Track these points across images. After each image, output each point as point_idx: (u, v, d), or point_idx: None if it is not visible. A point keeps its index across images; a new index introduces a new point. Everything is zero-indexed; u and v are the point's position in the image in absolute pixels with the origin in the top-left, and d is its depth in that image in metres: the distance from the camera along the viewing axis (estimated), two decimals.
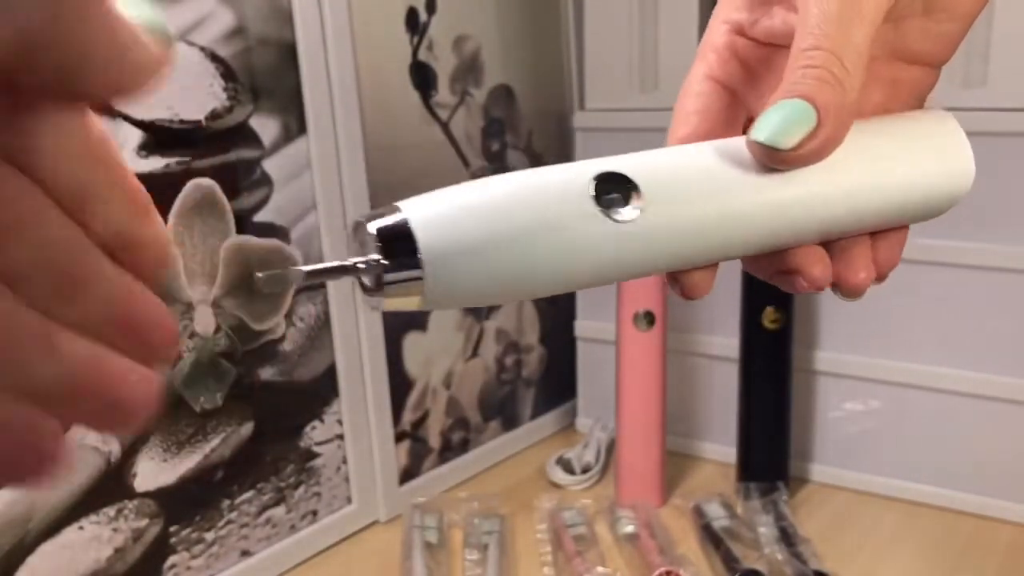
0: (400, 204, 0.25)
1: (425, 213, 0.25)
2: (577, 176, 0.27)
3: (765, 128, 0.27)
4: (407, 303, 0.25)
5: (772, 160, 0.28)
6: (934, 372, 0.73)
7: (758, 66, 0.33)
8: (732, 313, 0.76)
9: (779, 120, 0.27)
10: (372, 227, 0.25)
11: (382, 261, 0.25)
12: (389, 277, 0.25)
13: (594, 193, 0.27)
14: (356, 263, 0.25)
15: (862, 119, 0.31)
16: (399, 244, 0.25)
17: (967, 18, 0.31)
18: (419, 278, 0.25)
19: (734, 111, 0.33)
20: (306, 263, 0.67)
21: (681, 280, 0.30)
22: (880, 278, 0.33)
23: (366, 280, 0.26)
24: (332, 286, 0.69)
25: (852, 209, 0.30)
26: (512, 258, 0.26)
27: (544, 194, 0.26)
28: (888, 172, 0.31)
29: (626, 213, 0.27)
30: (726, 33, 0.32)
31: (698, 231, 0.28)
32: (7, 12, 0.17)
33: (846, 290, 0.31)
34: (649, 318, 0.72)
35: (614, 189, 0.27)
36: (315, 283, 0.25)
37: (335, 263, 0.25)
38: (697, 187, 0.28)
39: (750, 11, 0.32)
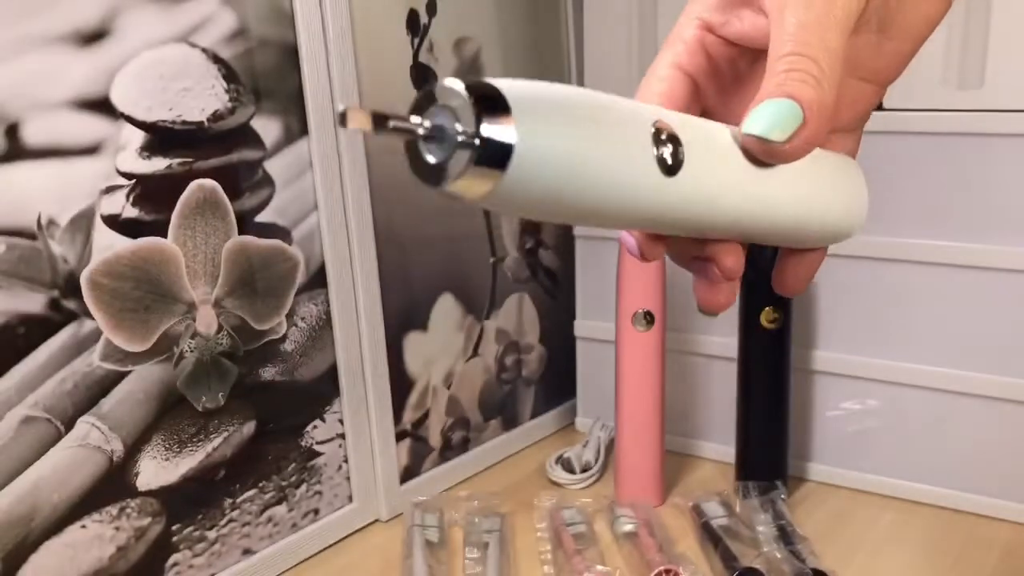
0: (494, 82, 0.24)
1: (528, 100, 0.24)
2: (639, 130, 0.28)
3: (759, 122, 0.29)
4: (475, 186, 0.24)
5: (765, 152, 0.30)
6: (933, 372, 0.73)
7: (723, 63, 0.35)
8: (731, 313, 0.76)
9: (770, 115, 0.29)
10: (486, 121, 0.23)
11: (477, 133, 0.23)
12: (479, 156, 0.23)
13: (655, 155, 0.27)
14: (457, 131, 0.23)
15: None
16: (496, 117, 0.23)
17: (918, 39, 0.34)
18: (502, 166, 0.24)
19: (695, 101, 0.35)
20: (307, 264, 0.67)
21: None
22: (797, 293, 0.38)
23: (431, 155, 0.24)
24: (333, 287, 0.69)
25: (796, 216, 0.33)
26: (585, 177, 0.26)
27: (622, 129, 0.27)
28: (827, 192, 0.34)
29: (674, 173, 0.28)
30: (696, 28, 0.34)
31: (716, 201, 0.30)
32: None
33: (785, 292, 0.36)
34: (648, 318, 0.72)
35: (671, 157, 0.28)
36: (386, 132, 0.23)
37: (412, 123, 0.24)
38: (718, 157, 0.30)
39: (721, 12, 0.33)
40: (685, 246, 0.33)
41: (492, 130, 0.23)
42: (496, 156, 0.23)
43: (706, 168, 0.29)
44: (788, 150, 0.29)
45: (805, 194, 0.33)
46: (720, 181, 0.30)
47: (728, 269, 0.32)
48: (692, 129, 0.29)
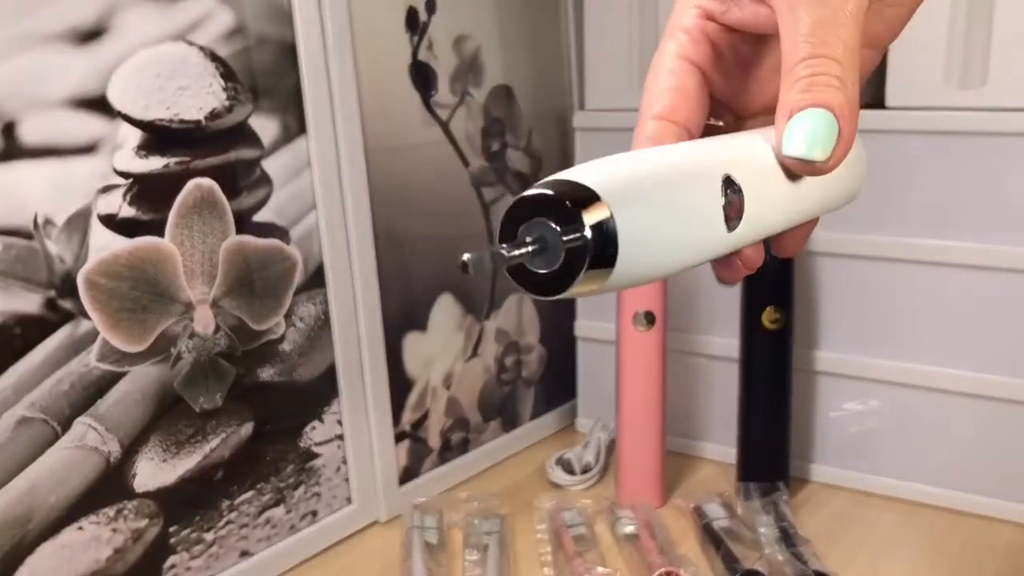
0: (595, 188, 0.25)
1: (624, 206, 0.25)
2: (711, 177, 0.29)
3: (798, 141, 0.29)
4: (589, 290, 0.25)
5: (808, 171, 0.30)
6: (934, 372, 0.73)
7: (725, 49, 0.34)
8: (732, 313, 0.76)
9: (808, 132, 0.29)
10: (585, 220, 0.24)
11: (581, 230, 0.24)
12: (587, 268, 0.24)
13: (723, 210, 0.29)
14: (565, 248, 0.25)
15: None
16: (604, 241, 0.24)
17: (914, 5, 0.33)
18: (609, 270, 0.25)
19: (703, 91, 0.34)
20: (306, 264, 0.67)
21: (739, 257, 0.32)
22: (796, 254, 0.38)
23: (539, 267, 0.25)
24: (331, 286, 0.69)
25: (819, 210, 0.34)
26: (673, 252, 0.27)
27: (697, 193, 0.28)
28: (843, 176, 0.34)
29: (733, 225, 0.29)
30: (696, 17, 0.33)
31: (766, 226, 0.31)
32: None
33: (786, 254, 0.36)
34: (649, 318, 0.72)
35: (735, 207, 0.29)
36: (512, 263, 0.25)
37: (529, 250, 0.25)
38: (773, 194, 0.31)
39: (721, 0, 0.33)
40: None
41: (593, 220, 0.24)
42: (606, 245, 0.24)
43: (757, 206, 0.30)
44: (831, 166, 0.29)
45: (828, 189, 0.34)
46: (766, 208, 0.31)
47: (750, 260, 0.33)
48: (743, 167, 0.30)
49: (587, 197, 0.24)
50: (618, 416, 0.75)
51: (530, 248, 0.25)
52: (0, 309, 0.51)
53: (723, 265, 0.33)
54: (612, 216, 0.24)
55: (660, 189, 0.27)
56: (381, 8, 0.71)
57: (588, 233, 0.24)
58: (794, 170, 0.31)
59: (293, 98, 0.65)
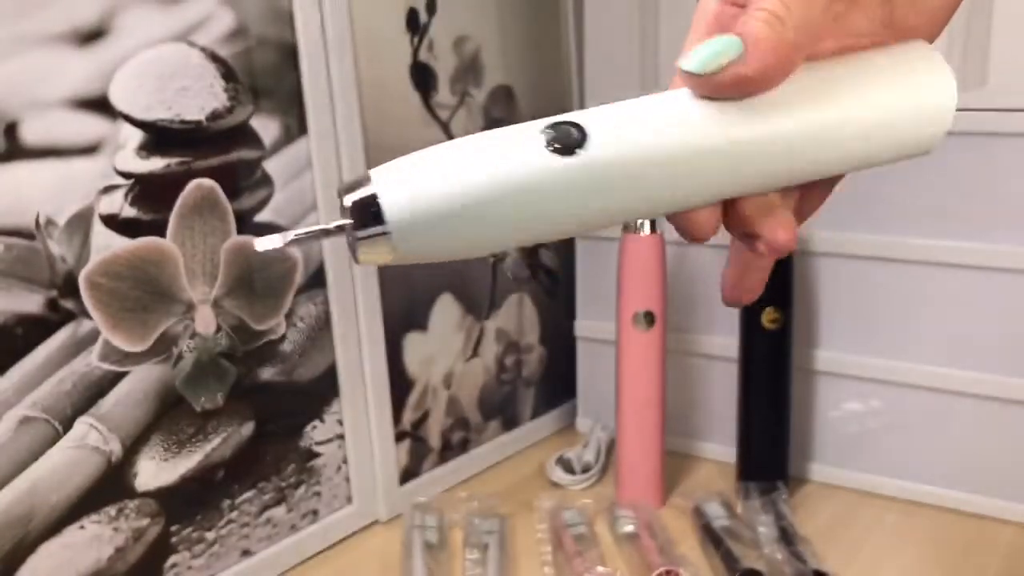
0: (372, 172, 0.29)
1: (391, 182, 0.28)
2: (529, 127, 0.29)
3: (693, 57, 0.29)
4: (381, 258, 0.29)
5: (698, 86, 0.30)
6: (934, 372, 0.73)
7: None
8: (731, 313, 0.76)
9: (706, 50, 0.29)
10: (347, 200, 0.28)
11: (353, 227, 0.28)
12: (360, 236, 0.28)
13: (545, 139, 0.29)
14: (334, 227, 0.29)
15: (835, 59, 0.31)
16: (369, 214, 0.28)
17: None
18: (386, 234, 0.28)
19: None
20: (306, 264, 0.67)
21: (682, 220, 0.31)
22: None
23: (348, 239, 0.29)
24: (332, 287, 0.69)
25: (813, 149, 0.31)
26: (471, 215, 0.28)
27: (499, 146, 0.29)
28: (852, 108, 0.31)
29: (575, 152, 0.29)
30: (717, 3, 0.33)
31: (643, 166, 0.29)
32: None
33: (770, 251, 0.33)
34: (649, 318, 0.72)
35: (565, 138, 0.29)
36: (302, 243, 0.30)
37: (317, 227, 0.29)
38: (641, 122, 0.30)
39: None
40: (734, 220, 0.32)
41: (351, 198, 0.28)
42: (366, 212, 0.28)
43: (628, 130, 0.29)
44: (724, 82, 0.29)
45: (818, 118, 0.30)
46: (661, 137, 0.29)
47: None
48: (613, 108, 0.30)
49: (359, 180, 0.29)
50: (618, 416, 0.75)
51: (316, 228, 0.29)
52: (2, 309, 0.52)
53: (747, 248, 0.33)
54: (375, 188, 0.28)
55: (436, 151, 0.29)
56: (381, 9, 0.71)
57: (348, 203, 0.28)
58: (688, 86, 0.30)
59: (294, 99, 0.65)
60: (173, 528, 0.61)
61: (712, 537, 0.68)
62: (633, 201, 0.30)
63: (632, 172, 0.29)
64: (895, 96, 0.31)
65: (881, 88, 0.31)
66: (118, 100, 0.55)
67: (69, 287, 0.54)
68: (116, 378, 0.57)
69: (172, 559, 0.61)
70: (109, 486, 0.57)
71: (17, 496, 0.53)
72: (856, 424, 0.77)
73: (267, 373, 0.66)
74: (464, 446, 0.83)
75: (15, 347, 0.52)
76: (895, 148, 0.32)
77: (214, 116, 0.60)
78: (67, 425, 0.55)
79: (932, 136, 0.32)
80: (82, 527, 0.56)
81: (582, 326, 0.91)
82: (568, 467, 0.83)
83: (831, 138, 0.31)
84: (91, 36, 0.54)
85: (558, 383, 0.93)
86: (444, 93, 0.76)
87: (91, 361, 0.56)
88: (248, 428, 0.65)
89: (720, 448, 0.84)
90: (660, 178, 0.29)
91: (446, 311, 0.80)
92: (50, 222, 0.53)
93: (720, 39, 0.29)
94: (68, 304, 0.54)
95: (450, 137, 0.77)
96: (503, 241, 0.30)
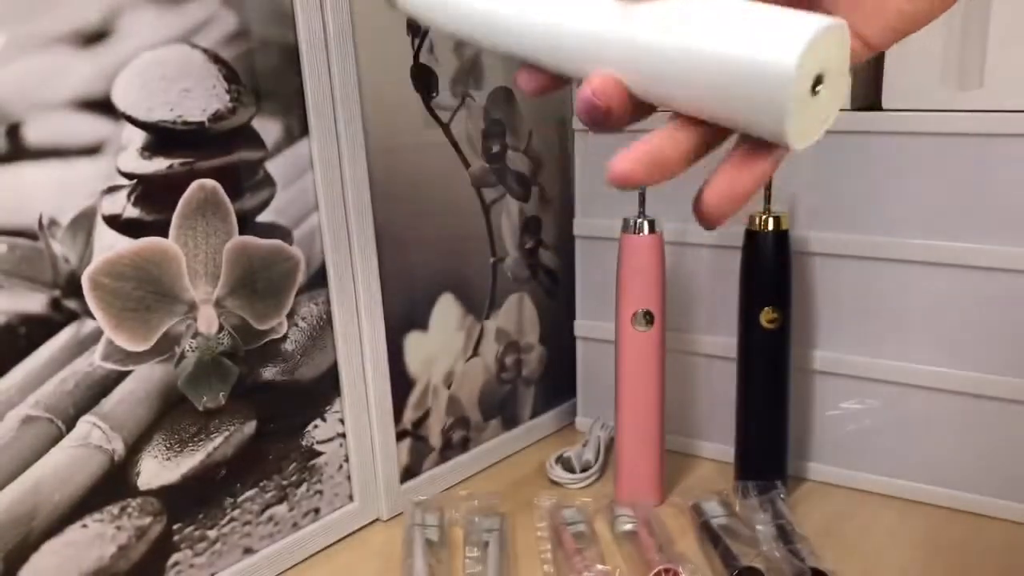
0: None
1: None
2: None
3: None
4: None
5: None
6: (932, 371, 0.73)
7: None
8: (730, 313, 0.77)
9: None
10: None
11: None
12: None
13: None
14: None
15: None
16: None
17: None
18: None
19: None
20: (308, 264, 0.68)
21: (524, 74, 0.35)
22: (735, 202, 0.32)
23: None
24: (333, 286, 0.69)
25: (650, 62, 0.31)
26: None
27: None
28: (694, 37, 0.29)
29: None
30: None
31: None
32: None
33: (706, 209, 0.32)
34: (648, 318, 0.73)
35: None
36: None
37: None
38: None
39: None
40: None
41: None
42: None
43: None
44: None
45: (660, 31, 0.30)
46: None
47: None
48: None
49: None
50: (617, 415, 0.76)
51: None
52: (5, 309, 0.52)
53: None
54: None
55: None
56: (382, 11, 0.71)
57: None
58: None
59: (295, 100, 0.66)
60: (175, 526, 0.61)
61: (711, 535, 0.69)
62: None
63: None
64: (731, 40, 0.28)
65: (724, 27, 0.28)
66: (121, 101, 0.55)
67: (72, 287, 0.54)
68: (119, 377, 0.57)
69: (174, 557, 0.61)
70: (112, 485, 0.58)
71: (20, 495, 0.53)
72: (854, 423, 0.78)
73: (269, 372, 0.66)
74: (464, 445, 0.84)
75: (18, 347, 0.53)
76: (724, 99, 0.29)
77: (216, 117, 0.60)
78: (70, 424, 0.55)
79: (769, 103, 0.28)
80: (85, 525, 0.56)
81: (582, 326, 0.92)
82: (568, 466, 0.83)
83: (666, 57, 0.30)
84: (94, 37, 0.54)
85: (558, 382, 0.94)
86: (445, 94, 0.76)
87: (94, 360, 0.56)
88: (250, 427, 0.65)
89: (719, 447, 0.84)
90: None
91: (447, 311, 0.80)
92: (53, 222, 0.53)
93: None
94: (71, 304, 0.55)
95: (450, 138, 0.77)
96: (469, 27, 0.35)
